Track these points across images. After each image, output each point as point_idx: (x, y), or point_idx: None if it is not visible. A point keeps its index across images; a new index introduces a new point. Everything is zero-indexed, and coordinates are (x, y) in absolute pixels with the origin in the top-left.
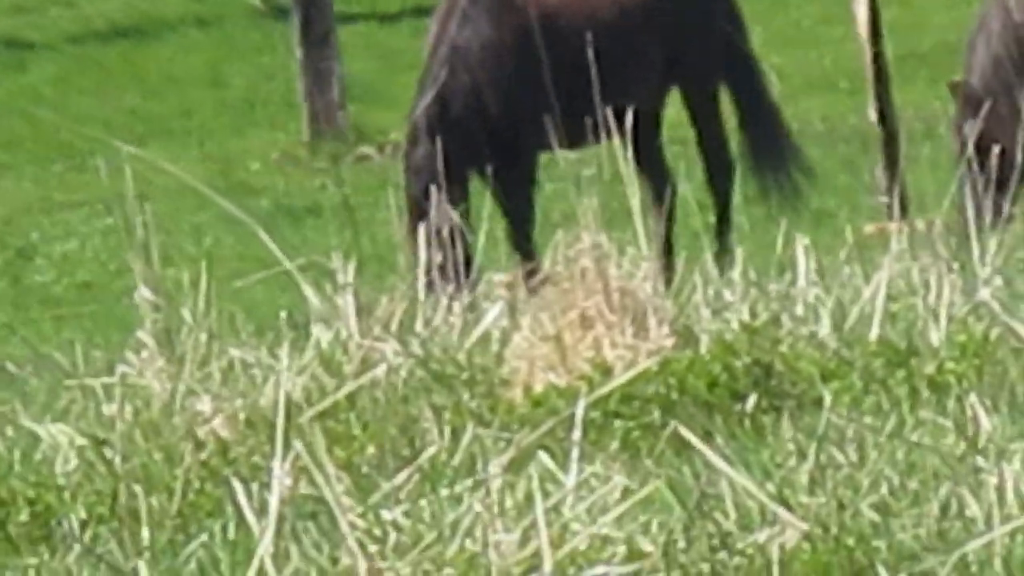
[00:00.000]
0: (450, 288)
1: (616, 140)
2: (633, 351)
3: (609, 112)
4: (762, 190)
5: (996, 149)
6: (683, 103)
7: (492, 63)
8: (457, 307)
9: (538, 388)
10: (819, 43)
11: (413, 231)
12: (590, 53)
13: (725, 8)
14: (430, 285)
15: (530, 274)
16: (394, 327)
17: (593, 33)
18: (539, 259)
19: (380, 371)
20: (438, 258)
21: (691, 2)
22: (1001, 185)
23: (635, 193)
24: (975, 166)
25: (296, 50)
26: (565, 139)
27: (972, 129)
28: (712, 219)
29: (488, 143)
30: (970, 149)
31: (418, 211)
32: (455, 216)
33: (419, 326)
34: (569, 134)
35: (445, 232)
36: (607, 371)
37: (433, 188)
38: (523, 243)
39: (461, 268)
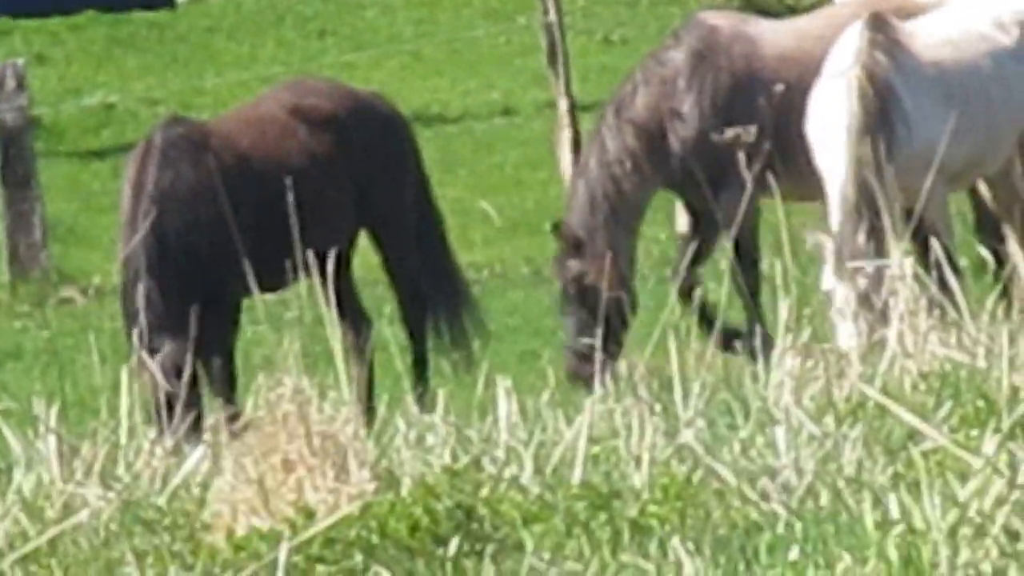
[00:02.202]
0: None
1: (317, 281)
2: (335, 494)
3: (310, 254)
4: (433, 336)
5: (598, 287)
6: (373, 245)
7: (198, 205)
8: (160, 451)
9: (241, 532)
10: (522, 186)
11: (138, 369)
12: (289, 197)
13: (410, 153)
14: (157, 424)
15: (232, 418)
16: (96, 471)
17: (286, 177)
18: (241, 403)
19: (83, 516)
20: (161, 397)
21: (378, 147)
22: (608, 323)
23: (337, 336)
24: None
25: None
26: (264, 281)
27: (572, 268)
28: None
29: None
30: (571, 287)
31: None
32: (178, 354)
33: (121, 470)
34: (268, 276)
35: (168, 371)
36: (310, 515)
37: (148, 328)
38: (224, 387)
39: (177, 408)
